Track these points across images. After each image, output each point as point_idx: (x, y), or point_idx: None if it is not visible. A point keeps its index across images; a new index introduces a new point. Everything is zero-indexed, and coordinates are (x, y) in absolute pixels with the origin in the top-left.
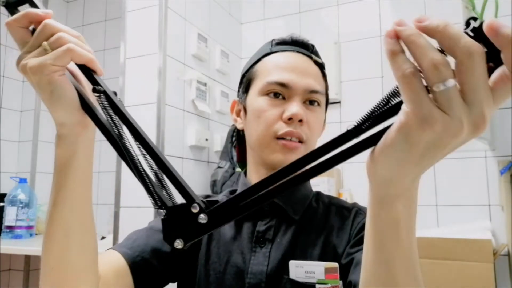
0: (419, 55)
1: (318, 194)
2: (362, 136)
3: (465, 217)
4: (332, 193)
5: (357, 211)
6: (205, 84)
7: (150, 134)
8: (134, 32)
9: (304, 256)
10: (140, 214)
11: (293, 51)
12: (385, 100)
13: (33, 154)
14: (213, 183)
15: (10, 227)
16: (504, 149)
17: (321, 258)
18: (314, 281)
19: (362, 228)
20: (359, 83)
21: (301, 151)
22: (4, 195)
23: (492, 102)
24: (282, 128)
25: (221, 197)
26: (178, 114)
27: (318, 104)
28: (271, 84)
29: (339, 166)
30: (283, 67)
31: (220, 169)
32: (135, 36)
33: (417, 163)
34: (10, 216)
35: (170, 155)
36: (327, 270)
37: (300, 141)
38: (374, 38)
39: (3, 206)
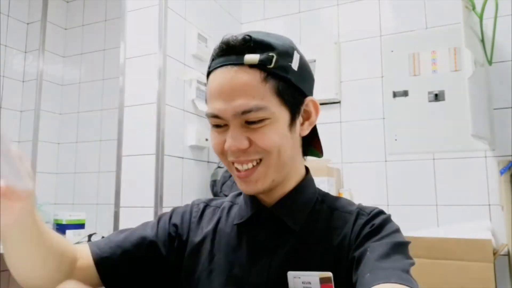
0: None
1: (325, 196)
2: None
3: (465, 217)
4: (332, 193)
5: (358, 212)
6: (205, 84)
7: (150, 134)
8: (134, 32)
9: (303, 266)
10: (140, 214)
11: (223, 65)
12: None
13: (33, 154)
14: (213, 183)
15: None
16: (504, 149)
17: (321, 268)
18: None
19: (361, 232)
20: (359, 83)
21: (260, 170)
22: None
23: None
24: (229, 155)
25: (225, 201)
26: (178, 114)
27: (262, 120)
28: (209, 117)
29: (339, 166)
30: (214, 94)
31: (220, 169)
32: (135, 36)
33: None
34: None
35: (170, 155)
36: (322, 280)
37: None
38: (374, 38)
39: None
